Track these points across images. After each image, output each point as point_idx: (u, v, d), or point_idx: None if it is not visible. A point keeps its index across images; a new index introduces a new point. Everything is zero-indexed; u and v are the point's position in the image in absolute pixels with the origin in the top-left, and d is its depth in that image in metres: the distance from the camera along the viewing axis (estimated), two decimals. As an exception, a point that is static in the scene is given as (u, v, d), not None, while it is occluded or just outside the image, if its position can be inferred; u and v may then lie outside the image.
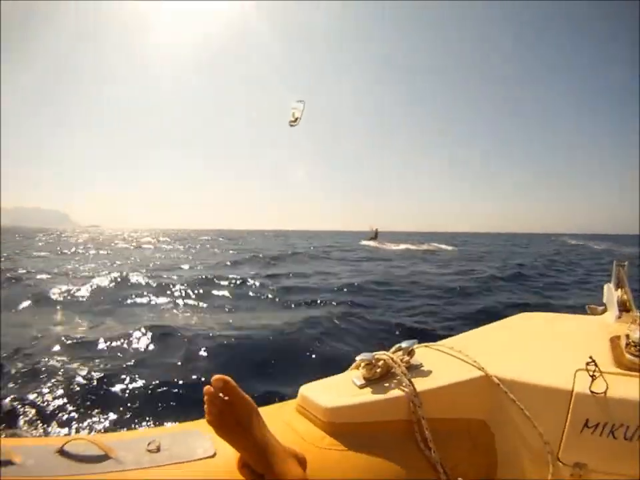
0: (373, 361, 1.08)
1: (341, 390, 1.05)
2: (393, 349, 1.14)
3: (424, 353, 1.25)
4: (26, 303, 6.57)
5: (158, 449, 0.82)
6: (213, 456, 0.83)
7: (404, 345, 1.14)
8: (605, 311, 1.68)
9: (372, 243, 35.00)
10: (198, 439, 0.87)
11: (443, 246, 29.91)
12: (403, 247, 29.29)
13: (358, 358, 1.10)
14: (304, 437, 0.95)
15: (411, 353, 1.14)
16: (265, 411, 1.08)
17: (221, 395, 0.76)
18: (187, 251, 24.39)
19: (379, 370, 1.07)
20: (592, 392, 0.98)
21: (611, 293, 1.62)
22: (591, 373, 1.01)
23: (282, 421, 1.01)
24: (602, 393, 0.97)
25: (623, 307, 1.55)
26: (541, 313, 1.75)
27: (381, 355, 1.09)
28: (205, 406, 0.77)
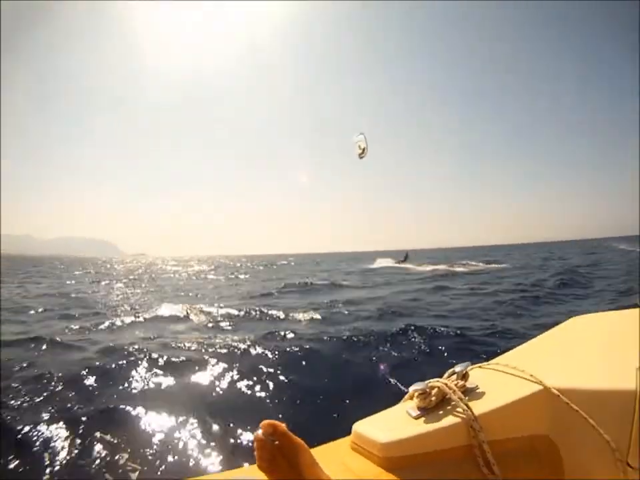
0: (427, 390, 1.05)
1: (395, 423, 1.03)
2: (447, 374, 1.11)
3: (478, 374, 1.20)
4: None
5: None
6: None
7: (457, 368, 1.09)
8: None
9: (406, 265, 33.75)
10: None
11: (481, 264, 28.14)
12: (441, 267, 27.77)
13: (411, 388, 1.07)
14: (360, 475, 0.94)
15: (465, 376, 1.09)
16: (319, 450, 1.08)
17: (271, 439, 0.77)
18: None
19: (433, 398, 1.04)
20: None
21: None
22: None
23: (337, 460, 1.00)
24: None
25: None
26: (591, 313, 1.65)
27: (435, 382, 1.06)
28: (255, 452, 0.78)
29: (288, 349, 5.32)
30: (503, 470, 0.95)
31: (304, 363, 4.94)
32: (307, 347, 5.47)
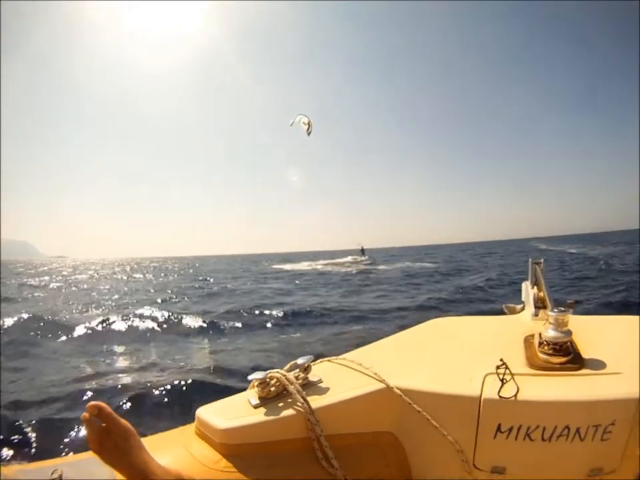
0: (267, 380, 1.05)
1: (236, 410, 1.02)
2: (288, 365, 1.11)
3: (325, 368, 1.22)
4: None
5: (60, 478, 0.83)
6: None
7: (299, 361, 1.11)
8: (523, 309, 1.67)
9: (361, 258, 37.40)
10: (99, 467, 0.84)
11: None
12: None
13: (250, 377, 1.06)
14: (201, 460, 0.93)
15: (307, 369, 1.11)
16: (165, 435, 1.07)
17: (97, 421, 0.77)
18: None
19: (272, 389, 1.04)
20: (500, 396, 0.96)
21: (528, 291, 1.62)
22: (501, 377, 1.00)
23: (181, 445, 0.99)
24: (512, 396, 0.96)
25: (540, 305, 1.54)
26: (455, 317, 1.72)
27: (275, 372, 1.06)
28: (85, 433, 0.78)
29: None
30: (346, 464, 0.96)
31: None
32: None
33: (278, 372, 1.07)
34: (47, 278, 28.50)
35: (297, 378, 1.06)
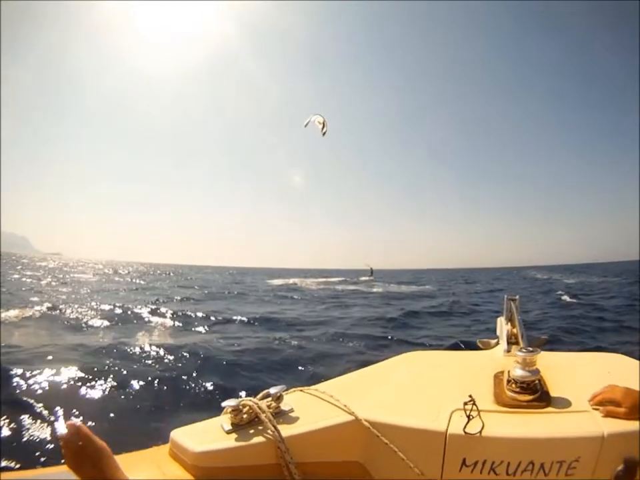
0: (240, 407, 1.09)
1: (210, 435, 1.06)
2: (260, 394, 1.15)
3: (297, 397, 1.26)
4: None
5: None
6: None
7: (272, 390, 1.15)
8: (497, 344, 1.69)
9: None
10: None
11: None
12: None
13: (223, 404, 1.10)
14: None
15: (279, 398, 1.14)
16: (139, 455, 1.10)
17: (75, 439, 0.81)
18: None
19: (245, 416, 1.08)
20: (466, 432, 1.00)
21: (502, 327, 1.65)
22: (468, 413, 1.03)
23: (155, 465, 1.01)
24: (477, 432, 0.99)
25: (513, 341, 1.57)
26: (428, 351, 1.76)
27: (247, 400, 1.10)
28: (62, 450, 0.83)
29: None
30: None
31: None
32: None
33: (250, 400, 1.10)
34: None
35: (268, 406, 1.10)
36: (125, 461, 0.89)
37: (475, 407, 1.04)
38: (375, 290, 24.64)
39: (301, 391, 1.31)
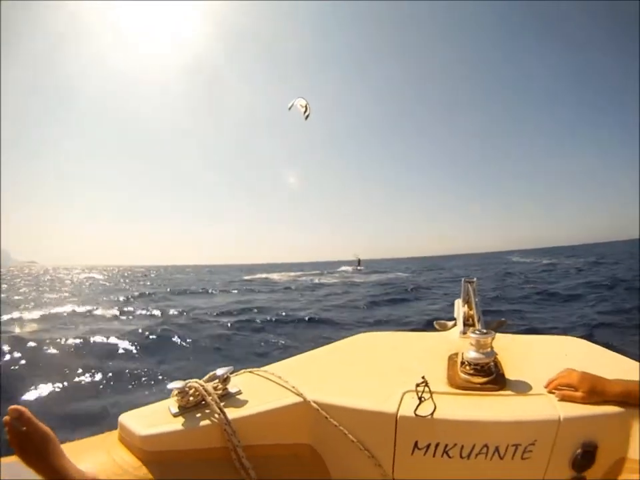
0: (186, 389, 1.08)
1: (157, 418, 1.04)
2: (207, 376, 1.14)
3: (246, 379, 1.25)
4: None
5: None
6: None
7: (218, 372, 1.14)
8: (454, 326, 1.69)
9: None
10: (20, 469, 0.84)
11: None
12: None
13: (169, 386, 1.08)
14: (122, 466, 0.94)
15: (226, 380, 1.14)
16: (88, 442, 1.07)
17: (18, 424, 0.80)
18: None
19: (191, 398, 1.07)
20: (417, 415, 0.99)
21: (459, 309, 1.65)
22: (420, 395, 1.03)
23: (104, 451, 0.99)
24: (428, 415, 0.99)
25: (469, 323, 1.58)
26: (383, 332, 1.73)
27: (194, 382, 1.09)
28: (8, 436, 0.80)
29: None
30: (265, 474, 0.98)
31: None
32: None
33: (197, 382, 1.09)
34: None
35: (215, 388, 1.10)
36: (75, 449, 0.88)
37: (427, 389, 1.04)
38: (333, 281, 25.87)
39: (250, 372, 1.30)
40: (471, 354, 1.14)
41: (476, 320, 1.56)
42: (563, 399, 1.04)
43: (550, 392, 1.09)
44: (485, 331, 1.16)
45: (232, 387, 1.15)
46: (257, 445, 1.04)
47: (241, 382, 1.20)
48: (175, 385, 1.08)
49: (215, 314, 10.62)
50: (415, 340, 1.65)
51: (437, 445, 1.00)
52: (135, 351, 6.19)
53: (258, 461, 1.00)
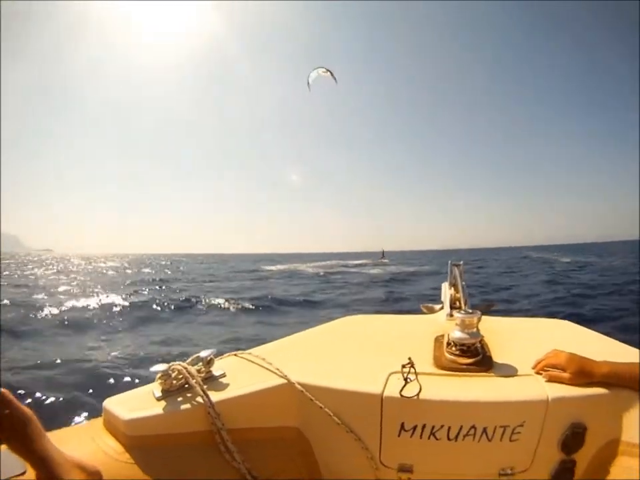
0: (169, 372, 1.07)
1: (140, 402, 1.03)
2: (190, 359, 1.13)
3: (230, 362, 1.24)
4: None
5: None
6: (23, 473, 0.81)
7: (202, 354, 1.12)
8: (441, 309, 1.69)
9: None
10: (8, 457, 0.83)
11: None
12: None
13: (152, 369, 1.07)
14: (106, 451, 0.93)
15: (210, 362, 1.12)
16: (75, 429, 1.07)
17: None
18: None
19: (174, 381, 1.06)
20: (402, 395, 0.98)
21: (446, 292, 1.65)
22: (405, 376, 1.02)
23: (89, 437, 0.98)
24: (414, 395, 0.98)
25: (456, 306, 1.58)
26: (370, 315, 1.73)
27: (177, 365, 1.08)
28: None
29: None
30: (250, 458, 0.97)
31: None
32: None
33: (180, 364, 1.08)
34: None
35: (199, 371, 1.09)
36: (61, 437, 0.87)
37: (412, 370, 1.03)
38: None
39: (234, 355, 1.29)
40: (456, 334, 1.13)
41: (463, 303, 1.56)
42: (551, 379, 1.03)
43: (537, 373, 1.07)
44: (470, 310, 1.15)
45: (216, 370, 1.14)
46: (243, 429, 1.03)
47: (225, 365, 1.19)
48: (158, 367, 1.06)
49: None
50: (402, 322, 1.64)
51: (424, 427, 0.99)
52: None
53: (244, 444, 0.99)
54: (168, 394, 1.05)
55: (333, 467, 1.09)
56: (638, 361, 1.03)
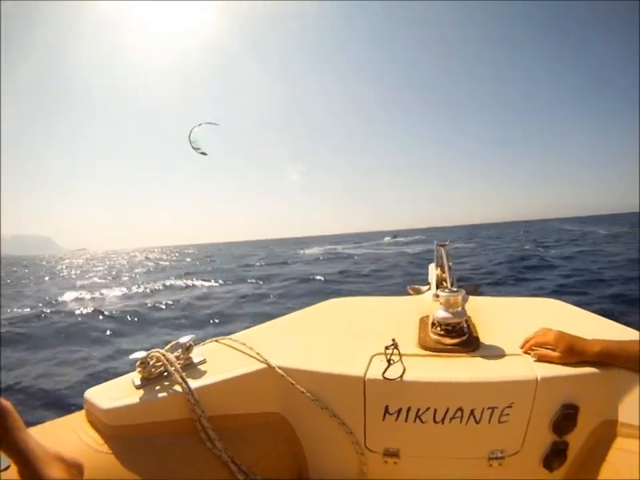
0: (148, 359, 1.05)
1: (120, 391, 1.01)
2: (169, 345, 1.11)
3: (212, 348, 1.22)
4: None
5: None
6: (7, 468, 0.80)
7: (181, 340, 1.10)
8: (429, 290, 1.65)
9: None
10: None
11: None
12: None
13: (131, 357, 1.05)
14: (88, 443, 0.92)
15: (189, 348, 1.10)
16: (57, 423, 1.04)
17: None
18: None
19: (153, 369, 1.04)
20: (385, 377, 0.94)
21: (432, 273, 1.62)
22: (388, 357, 0.98)
23: (71, 429, 0.98)
24: (397, 377, 0.94)
25: (442, 286, 1.51)
26: (355, 297, 1.70)
27: (155, 352, 1.06)
28: None
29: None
30: (233, 445, 0.95)
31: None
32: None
33: (158, 351, 1.06)
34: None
35: (178, 358, 1.07)
36: (43, 431, 0.87)
37: (396, 351, 0.99)
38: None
39: (215, 341, 1.27)
40: (440, 313, 1.08)
41: (449, 283, 1.51)
42: (540, 359, 0.98)
43: (526, 352, 1.02)
44: (454, 289, 1.09)
45: (196, 356, 1.12)
46: (224, 415, 1.00)
47: (206, 351, 1.17)
48: (137, 355, 1.04)
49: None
50: (387, 304, 1.60)
51: (409, 410, 0.95)
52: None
53: (225, 431, 0.96)
54: (147, 382, 1.03)
55: (317, 452, 1.07)
56: (632, 340, 0.97)
